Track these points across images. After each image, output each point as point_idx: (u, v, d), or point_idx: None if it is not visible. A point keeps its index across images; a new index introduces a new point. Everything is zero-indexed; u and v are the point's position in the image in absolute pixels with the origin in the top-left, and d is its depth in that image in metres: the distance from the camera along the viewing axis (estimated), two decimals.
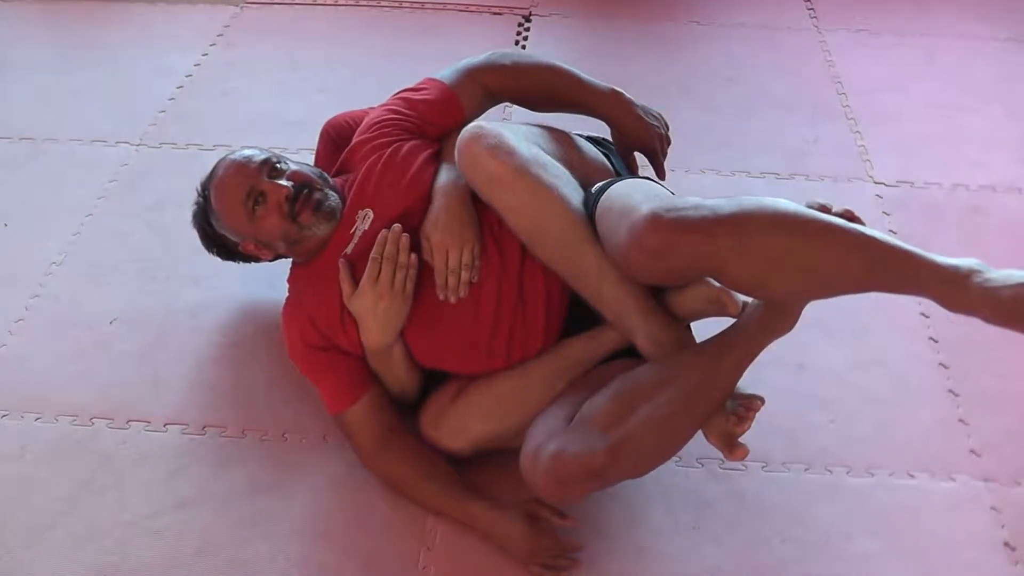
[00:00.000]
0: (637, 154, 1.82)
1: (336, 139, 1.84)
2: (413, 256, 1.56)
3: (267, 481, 1.66)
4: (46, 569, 1.54)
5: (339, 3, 2.98)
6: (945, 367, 1.87)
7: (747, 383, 1.76)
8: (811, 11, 2.97)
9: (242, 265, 1.88)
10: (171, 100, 2.57)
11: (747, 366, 1.45)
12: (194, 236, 1.82)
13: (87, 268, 2.08)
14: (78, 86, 2.64)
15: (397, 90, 1.79)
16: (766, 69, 2.71)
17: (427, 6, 2.96)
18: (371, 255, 1.56)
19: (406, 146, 1.66)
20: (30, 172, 2.35)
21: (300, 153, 2.13)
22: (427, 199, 1.60)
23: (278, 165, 1.64)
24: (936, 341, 1.92)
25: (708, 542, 1.58)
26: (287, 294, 1.73)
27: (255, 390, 1.82)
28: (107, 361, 1.88)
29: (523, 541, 1.52)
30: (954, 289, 1.32)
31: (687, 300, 1.50)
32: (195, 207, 1.79)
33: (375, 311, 1.55)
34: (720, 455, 1.65)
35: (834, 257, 1.31)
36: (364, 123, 1.74)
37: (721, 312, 1.48)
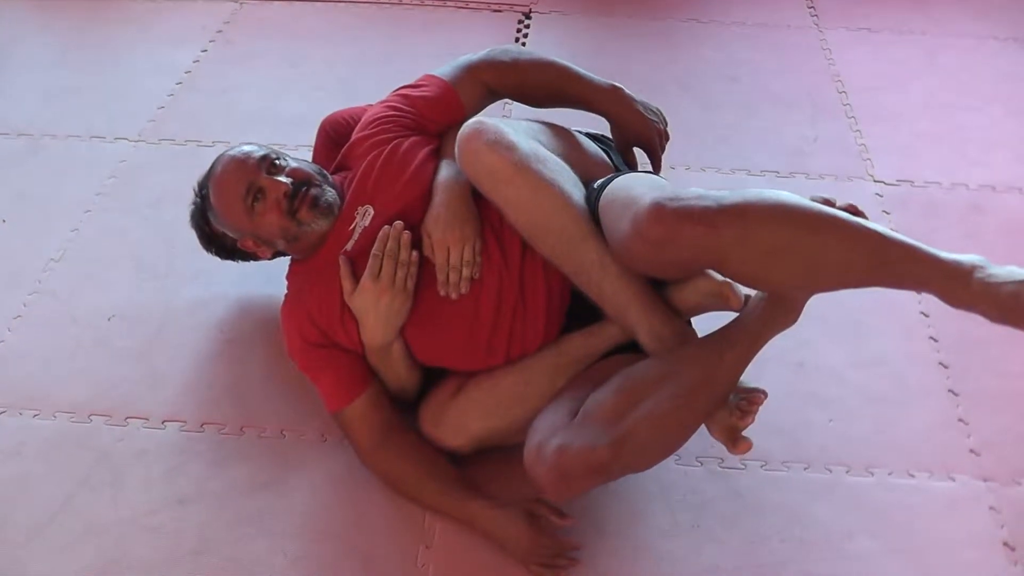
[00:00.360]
0: (636, 150, 1.82)
1: (334, 136, 1.83)
2: (414, 253, 1.56)
3: (265, 478, 1.66)
4: (44, 566, 1.53)
5: (339, 0, 2.97)
6: (945, 366, 1.87)
7: (747, 381, 1.76)
8: (811, 9, 2.96)
9: (241, 263, 1.87)
10: (170, 97, 2.57)
11: (750, 360, 1.45)
12: (192, 233, 1.82)
13: (85, 265, 2.07)
14: (77, 82, 2.63)
15: (396, 87, 1.78)
16: (766, 67, 2.71)
17: (427, 3, 2.95)
18: (372, 252, 1.55)
19: (406, 143, 1.65)
20: (28, 168, 2.34)
21: (299, 150, 2.12)
22: (427, 195, 1.60)
23: (277, 161, 1.64)
24: (936, 340, 1.92)
25: (707, 541, 1.57)
26: (286, 291, 1.73)
27: (253, 387, 1.82)
28: (105, 358, 1.87)
29: (523, 540, 1.52)
30: (956, 285, 1.32)
31: (688, 294, 1.50)
32: (192, 207, 1.78)
33: (376, 308, 1.55)
34: (720, 453, 1.65)
35: (837, 250, 1.31)
36: (363, 120, 1.74)
37: (723, 306, 1.48)
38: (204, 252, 1.83)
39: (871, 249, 1.31)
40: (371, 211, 1.62)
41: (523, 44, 2.77)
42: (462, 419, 1.58)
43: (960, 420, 1.77)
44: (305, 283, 1.67)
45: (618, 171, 1.71)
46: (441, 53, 2.68)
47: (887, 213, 2.21)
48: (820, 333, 1.90)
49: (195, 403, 1.79)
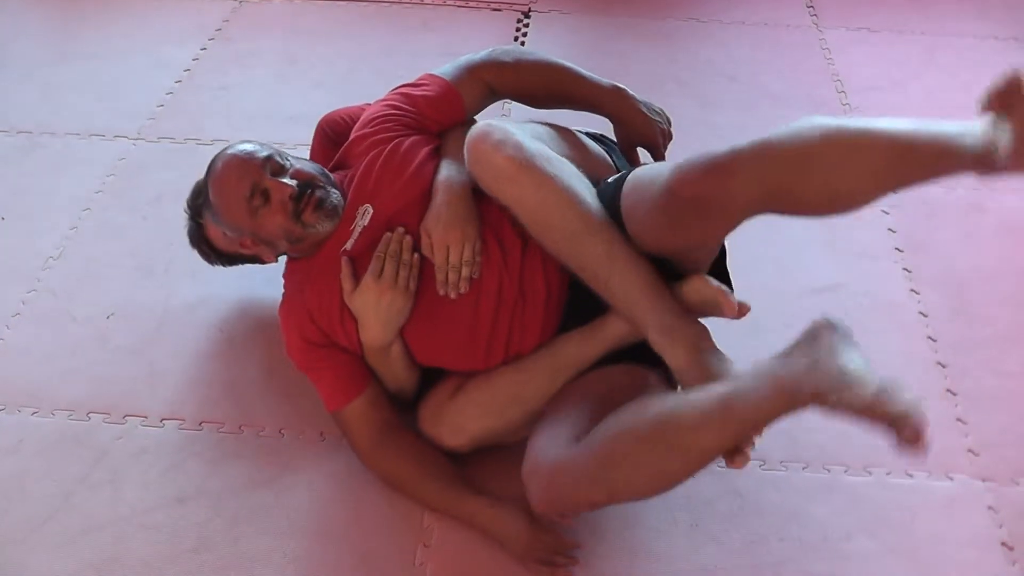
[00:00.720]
0: (640, 150, 1.82)
1: (332, 135, 1.83)
2: (416, 255, 1.56)
3: (264, 477, 1.66)
4: (42, 564, 1.53)
5: None
6: (943, 366, 1.87)
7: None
8: (810, 8, 2.96)
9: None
10: (169, 94, 2.57)
11: (752, 436, 1.35)
12: None
13: (84, 263, 2.07)
14: (76, 80, 2.63)
15: (395, 85, 1.78)
16: (765, 66, 2.71)
17: (426, 2, 2.95)
18: (376, 252, 1.55)
19: (407, 142, 1.65)
20: (27, 166, 2.34)
21: (298, 148, 2.12)
22: (427, 195, 1.60)
23: (281, 162, 1.63)
24: (934, 340, 1.92)
25: (706, 541, 1.57)
26: (284, 290, 1.72)
27: (252, 386, 1.82)
28: (104, 356, 1.87)
29: (522, 537, 1.52)
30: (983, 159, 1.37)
31: (685, 296, 1.49)
32: (189, 226, 1.79)
33: (377, 307, 1.55)
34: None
35: (867, 158, 1.32)
36: (363, 118, 1.73)
37: (718, 312, 1.47)
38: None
39: (898, 152, 1.33)
40: (370, 210, 1.62)
41: (522, 43, 2.77)
42: (460, 419, 1.58)
43: (958, 420, 1.77)
44: (304, 281, 1.66)
45: (620, 171, 1.72)
46: (440, 51, 2.70)
47: (885, 212, 2.21)
48: None
49: (194, 401, 1.79)
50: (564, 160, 1.52)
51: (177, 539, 1.57)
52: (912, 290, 2.02)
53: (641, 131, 1.77)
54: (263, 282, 1.96)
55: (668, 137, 1.81)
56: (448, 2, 2.95)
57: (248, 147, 1.64)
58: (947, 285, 2.03)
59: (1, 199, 2.24)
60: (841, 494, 1.65)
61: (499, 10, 2.92)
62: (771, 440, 1.71)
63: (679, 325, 1.45)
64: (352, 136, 1.72)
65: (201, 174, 1.75)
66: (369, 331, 1.58)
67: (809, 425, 1.75)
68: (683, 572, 1.54)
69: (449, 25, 2.86)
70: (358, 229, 1.62)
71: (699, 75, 2.66)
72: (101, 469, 1.67)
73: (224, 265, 1.86)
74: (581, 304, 1.57)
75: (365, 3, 2.95)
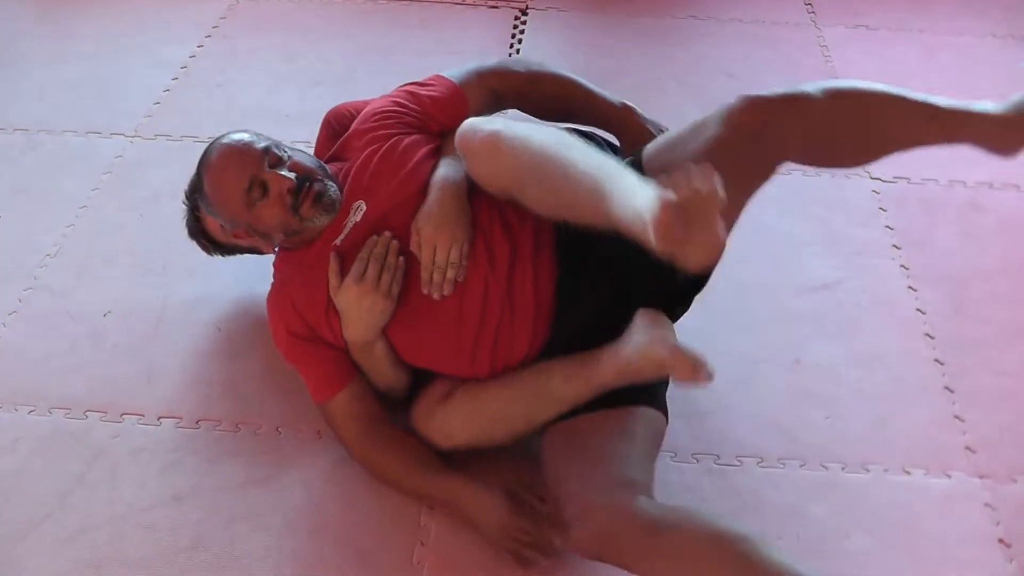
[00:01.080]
0: None
1: (336, 127, 1.82)
2: (401, 259, 1.55)
3: (261, 475, 1.66)
4: (39, 562, 1.53)
5: None
6: (941, 363, 1.87)
7: (742, 378, 1.76)
8: (808, 6, 2.96)
9: (236, 258, 1.87)
10: (166, 92, 2.56)
11: None
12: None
13: (81, 260, 2.07)
14: (72, 77, 2.63)
15: (394, 82, 1.77)
16: (763, 64, 2.70)
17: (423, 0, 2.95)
18: (359, 254, 1.55)
19: (406, 140, 1.64)
20: (24, 164, 2.34)
21: (296, 146, 2.12)
22: (421, 194, 1.58)
23: (279, 154, 1.60)
24: (932, 337, 1.91)
25: None
26: (273, 279, 1.71)
27: (249, 384, 1.81)
28: (101, 354, 1.87)
29: (499, 519, 1.50)
30: (1007, 132, 1.58)
31: (630, 358, 1.46)
32: (188, 216, 1.79)
33: (358, 308, 1.54)
34: (716, 450, 1.66)
35: (900, 114, 1.55)
36: (364, 112, 1.72)
37: (662, 373, 1.45)
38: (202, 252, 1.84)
39: (927, 113, 1.55)
40: (363, 207, 1.61)
41: (519, 40, 2.77)
42: (448, 426, 1.57)
43: (956, 417, 1.77)
44: (294, 273, 1.65)
45: None
46: (438, 49, 2.70)
47: (883, 211, 2.21)
48: (816, 330, 1.90)
49: (191, 400, 1.79)
50: (547, 127, 1.52)
51: (174, 537, 1.56)
52: (910, 287, 2.02)
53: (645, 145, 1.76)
54: (260, 280, 1.95)
55: None
56: (446, 0, 2.95)
57: (244, 137, 1.61)
58: (945, 282, 2.03)
59: None
60: (839, 492, 1.65)
61: (496, 8, 2.92)
62: (769, 438, 1.72)
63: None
64: (352, 129, 1.71)
65: None
66: (350, 329, 1.57)
67: (807, 423, 1.76)
68: None
69: (446, 23, 2.85)
70: (350, 224, 1.60)
71: (697, 73, 2.66)
72: (98, 468, 1.67)
73: (223, 255, 1.85)
74: (571, 320, 1.56)
75: (362, 1, 2.95)
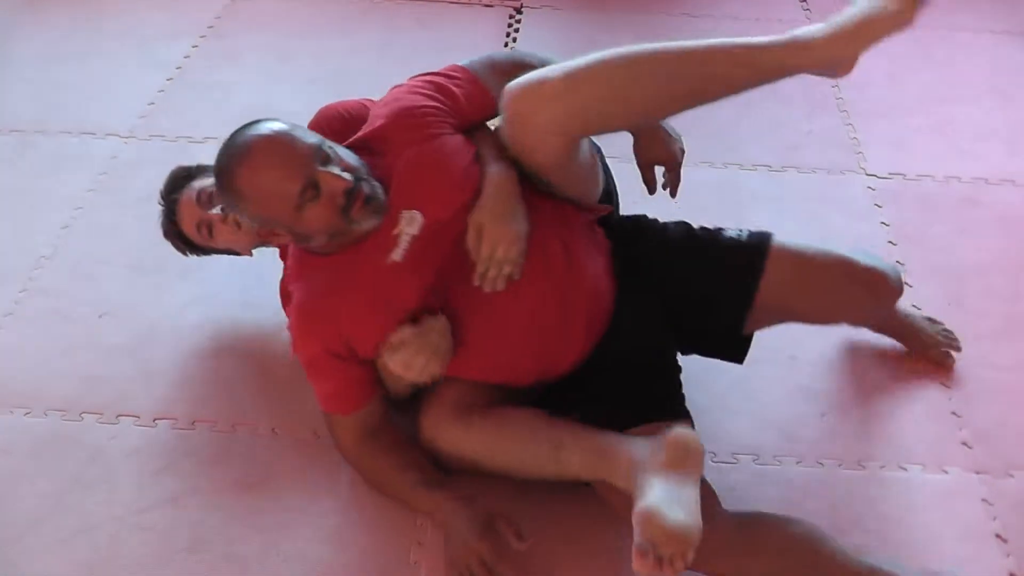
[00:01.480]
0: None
1: (328, 131, 1.79)
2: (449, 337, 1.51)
3: (257, 476, 1.66)
4: (36, 564, 1.53)
5: None
6: None
7: (739, 375, 1.76)
8: (803, 3, 2.96)
9: (234, 259, 1.87)
10: (161, 92, 2.56)
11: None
12: None
13: (76, 262, 2.07)
14: (67, 78, 2.62)
15: (399, 81, 1.65)
16: None
17: None
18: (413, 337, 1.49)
19: (451, 142, 1.54)
20: (19, 165, 2.34)
21: None
22: (475, 198, 1.52)
23: (328, 152, 1.44)
24: None
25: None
26: (298, 284, 1.57)
27: (245, 385, 1.81)
28: (97, 355, 1.87)
29: (467, 539, 1.48)
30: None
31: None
32: (163, 217, 1.77)
33: (405, 377, 1.52)
34: (713, 448, 1.66)
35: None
36: (397, 106, 1.56)
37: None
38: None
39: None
40: (418, 217, 1.50)
41: (514, 39, 2.77)
42: (460, 442, 1.53)
43: (953, 413, 1.77)
44: (338, 285, 1.52)
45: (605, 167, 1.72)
46: (433, 48, 2.69)
47: (879, 206, 2.21)
48: (811, 327, 1.90)
49: (187, 401, 1.79)
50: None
51: (171, 539, 1.56)
52: (906, 283, 2.02)
53: (660, 150, 1.75)
54: (255, 280, 1.95)
55: (682, 155, 1.80)
56: None
57: (288, 129, 1.45)
58: (941, 278, 2.03)
59: None
60: (835, 488, 1.65)
61: (491, 6, 2.91)
62: (765, 434, 1.72)
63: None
64: (382, 121, 1.56)
65: None
66: (392, 385, 1.58)
67: (803, 420, 1.76)
68: None
69: (442, 21, 2.85)
70: (406, 237, 1.49)
71: None
72: (94, 469, 1.67)
73: (198, 255, 1.83)
74: (621, 339, 1.56)
75: (358, 0, 2.95)
